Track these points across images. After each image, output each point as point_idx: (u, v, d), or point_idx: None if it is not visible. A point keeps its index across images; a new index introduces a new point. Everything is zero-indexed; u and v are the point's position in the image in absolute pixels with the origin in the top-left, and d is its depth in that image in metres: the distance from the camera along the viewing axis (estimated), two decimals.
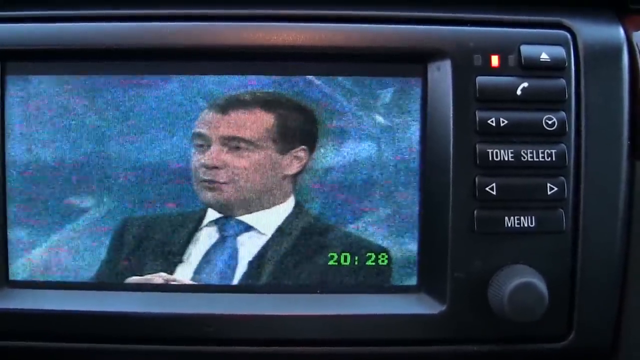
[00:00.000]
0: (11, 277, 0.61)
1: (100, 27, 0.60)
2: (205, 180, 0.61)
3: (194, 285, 0.62)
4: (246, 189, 0.61)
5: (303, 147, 0.61)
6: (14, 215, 0.61)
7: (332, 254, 0.61)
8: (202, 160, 0.61)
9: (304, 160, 0.61)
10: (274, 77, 0.60)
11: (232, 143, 0.61)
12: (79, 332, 0.60)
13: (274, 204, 0.61)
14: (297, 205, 0.61)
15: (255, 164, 0.61)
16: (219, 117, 0.60)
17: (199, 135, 0.61)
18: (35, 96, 0.61)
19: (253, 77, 0.60)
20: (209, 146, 0.61)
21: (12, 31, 0.60)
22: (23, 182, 0.61)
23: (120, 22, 0.60)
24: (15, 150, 0.61)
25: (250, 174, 0.61)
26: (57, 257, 0.61)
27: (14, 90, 0.60)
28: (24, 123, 0.61)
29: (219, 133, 0.60)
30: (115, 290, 0.61)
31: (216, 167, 0.61)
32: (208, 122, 0.60)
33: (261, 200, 0.61)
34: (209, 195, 0.61)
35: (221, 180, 0.61)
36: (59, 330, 0.60)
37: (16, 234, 0.61)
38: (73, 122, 0.61)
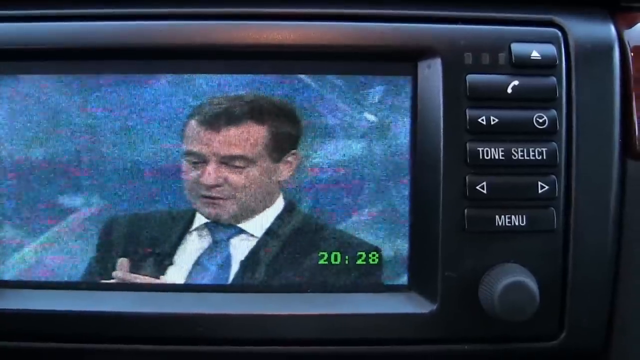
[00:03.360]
0: (0, 277, 0.61)
1: (90, 27, 0.60)
2: (205, 197, 0.61)
3: (184, 285, 0.61)
4: (246, 201, 0.61)
5: (293, 150, 0.61)
6: (3, 215, 0.61)
7: (323, 253, 0.61)
8: (201, 179, 0.60)
9: (295, 164, 0.61)
10: (263, 76, 0.60)
11: (231, 161, 0.61)
12: (68, 332, 0.60)
13: (265, 207, 0.61)
14: (287, 205, 0.61)
15: (254, 178, 0.61)
16: (212, 135, 0.60)
17: (193, 153, 0.60)
18: (24, 95, 0.60)
19: (243, 75, 0.60)
20: (204, 163, 0.60)
21: (1, 30, 0.60)
22: (12, 182, 0.61)
23: (110, 21, 0.60)
24: (4, 150, 0.61)
25: (248, 187, 0.61)
26: (46, 256, 0.61)
27: (3, 89, 0.60)
28: (12, 122, 0.60)
29: (215, 151, 0.60)
30: (105, 290, 0.61)
31: (215, 185, 0.61)
32: (201, 139, 0.60)
33: (256, 207, 0.61)
34: (209, 211, 0.61)
35: (221, 197, 0.61)
36: (48, 330, 0.60)
37: (5, 234, 0.61)
38: (62, 121, 0.60)
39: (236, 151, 0.60)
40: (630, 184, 0.60)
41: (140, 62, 0.60)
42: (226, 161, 0.61)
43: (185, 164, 0.61)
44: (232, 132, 0.60)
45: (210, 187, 0.61)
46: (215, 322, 0.60)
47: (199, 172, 0.61)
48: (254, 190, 0.61)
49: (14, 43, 0.59)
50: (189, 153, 0.60)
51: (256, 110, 0.60)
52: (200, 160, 0.61)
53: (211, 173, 0.60)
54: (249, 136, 0.60)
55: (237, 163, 0.61)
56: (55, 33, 0.59)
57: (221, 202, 0.61)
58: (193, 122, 0.60)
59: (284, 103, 0.60)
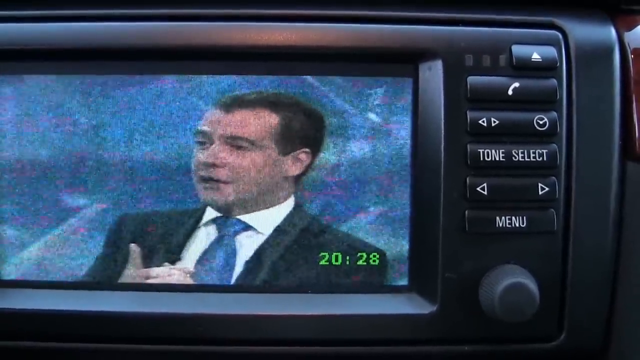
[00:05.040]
0: (2, 277, 0.61)
1: (93, 27, 0.60)
2: (204, 178, 0.61)
3: (187, 285, 0.61)
4: (245, 188, 0.61)
5: (305, 149, 0.61)
6: (6, 214, 0.61)
7: (324, 254, 0.61)
8: (202, 158, 0.61)
9: (306, 162, 0.61)
10: (270, 78, 0.60)
11: (234, 142, 0.61)
12: (71, 332, 0.60)
13: (274, 204, 0.61)
14: (297, 205, 0.61)
15: (256, 164, 0.61)
16: (222, 115, 0.60)
17: (201, 133, 0.60)
18: (29, 95, 0.60)
19: (248, 77, 0.60)
20: (210, 144, 0.61)
21: (4, 31, 0.60)
22: (16, 181, 0.61)
23: (115, 21, 0.60)
24: (7, 149, 0.61)
25: (250, 173, 0.61)
26: (49, 256, 0.61)
27: (6, 89, 0.60)
28: (17, 122, 0.61)
29: (221, 131, 0.60)
30: (108, 289, 0.61)
31: (216, 165, 0.61)
32: (211, 120, 0.60)
33: (260, 200, 0.61)
34: (208, 194, 0.61)
35: (221, 179, 0.61)
36: (50, 330, 0.60)
37: (8, 233, 0.61)
38: (67, 121, 0.60)
39: (240, 132, 0.60)
40: (630, 185, 0.60)
41: (144, 63, 0.60)
42: (229, 141, 0.60)
43: (195, 148, 0.61)
44: (242, 114, 0.60)
45: (209, 168, 0.61)
46: (216, 323, 0.60)
47: (203, 152, 0.61)
48: (254, 177, 0.61)
49: (18, 43, 0.60)
50: (198, 133, 0.60)
51: (273, 101, 0.60)
52: (206, 141, 0.61)
53: (213, 152, 0.60)
54: (258, 121, 0.60)
55: (240, 144, 0.60)
56: (59, 34, 0.60)
57: (220, 185, 0.61)
58: (211, 106, 0.60)
59: (306, 101, 0.60)
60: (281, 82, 0.60)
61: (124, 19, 0.60)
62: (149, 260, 0.61)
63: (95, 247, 0.61)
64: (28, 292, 0.61)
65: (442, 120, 0.59)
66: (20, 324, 0.60)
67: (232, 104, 0.60)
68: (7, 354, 0.61)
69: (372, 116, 0.61)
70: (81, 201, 0.61)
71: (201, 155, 0.61)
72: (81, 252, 0.61)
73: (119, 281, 0.61)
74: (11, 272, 0.61)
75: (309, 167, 0.61)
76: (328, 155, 0.61)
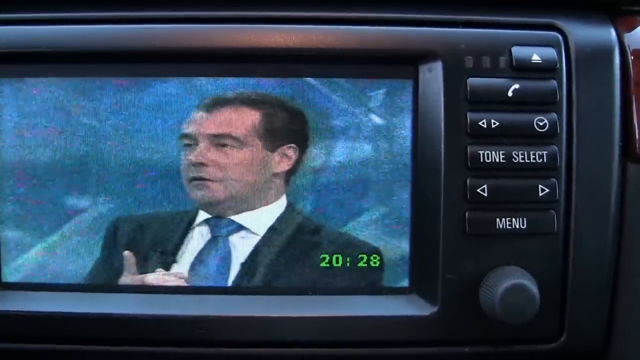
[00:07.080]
0: (4, 279, 0.61)
1: (93, 30, 0.60)
2: (193, 178, 0.61)
3: (185, 287, 0.62)
4: (235, 186, 0.61)
5: (292, 144, 0.61)
6: (7, 217, 0.61)
7: (324, 255, 0.61)
8: (190, 159, 0.61)
9: (293, 159, 0.61)
10: (267, 79, 0.60)
11: (219, 140, 0.61)
12: (71, 334, 0.60)
13: (266, 204, 0.62)
14: (289, 205, 0.61)
15: (243, 161, 0.61)
16: (205, 115, 0.61)
17: (187, 135, 0.61)
18: (28, 98, 0.61)
19: (246, 79, 0.60)
20: (196, 145, 0.61)
21: (4, 34, 0.60)
22: (16, 184, 0.61)
23: (113, 24, 0.60)
24: (8, 152, 0.61)
25: (237, 171, 0.61)
26: (50, 258, 0.61)
27: (7, 92, 0.60)
28: (16, 125, 0.61)
29: (205, 131, 0.61)
30: (108, 292, 0.61)
31: (203, 165, 0.61)
32: (195, 121, 0.61)
33: (251, 200, 0.61)
34: (198, 194, 0.61)
35: (209, 178, 0.61)
36: (51, 332, 0.60)
37: (9, 236, 0.61)
38: (65, 124, 0.61)
39: (224, 130, 0.60)
40: (631, 187, 0.60)
41: (142, 66, 0.61)
42: (214, 140, 0.61)
43: (183, 150, 0.61)
44: (224, 113, 0.60)
45: (198, 167, 0.61)
46: (216, 324, 0.60)
47: (190, 153, 0.61)
48: (242, 174, 0.61)
49: (18, 46, 0.60)
50: (183, 136, 0.61)
51: (254, 98, 0.60)
52: (192, 142, 0.61)
53: (199, 152, 0.61)
54: (240, 117, 0.60)
55: (225, 142, 0.60)
56: (60, 36, 0.60)
57: (209, 183, 0.61)
58: (194, 110, 0.61)
59: (286, 98, 0.61)
60: (275, 83, 0.60)
61: (122, 22, 0.60)
62: (143, 263, 0.61)
63: (94, 250, 0.61)
64: (29, 294, 0.61)
65: (442, 122, 0.59)
66: (21, 326, 0.60)
67: (213, 104, 0.60)
68: (8, 356, 0.61)
69: (371, 117, 0.61)
70: (80, 204, 0.61)
71: (189, 157, 0.61)
72: (81, 255, 0.61)
73: (118, 284, 0.61)
74: (13, 275, 0.62)
75: (297, 164, 0.61)
76: (318, 154, 0.61)
